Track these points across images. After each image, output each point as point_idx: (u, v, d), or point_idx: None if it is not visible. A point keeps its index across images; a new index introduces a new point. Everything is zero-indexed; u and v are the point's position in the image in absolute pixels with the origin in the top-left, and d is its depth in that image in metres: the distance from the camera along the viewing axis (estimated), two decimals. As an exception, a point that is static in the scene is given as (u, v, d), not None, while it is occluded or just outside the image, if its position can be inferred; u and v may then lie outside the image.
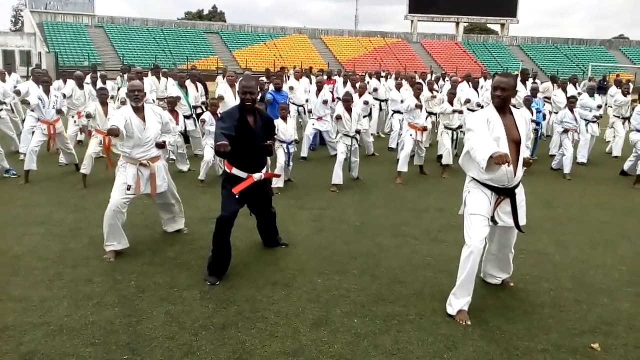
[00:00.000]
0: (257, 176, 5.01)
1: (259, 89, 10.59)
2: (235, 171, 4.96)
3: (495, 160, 3.82)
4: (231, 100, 9.70)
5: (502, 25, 56.93)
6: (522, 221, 4.35)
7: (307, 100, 12.50)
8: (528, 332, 4.01)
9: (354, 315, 4.21)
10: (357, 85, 12.27)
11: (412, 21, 55.13)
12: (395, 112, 12.32)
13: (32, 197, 7.50)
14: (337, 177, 8.30)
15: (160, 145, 5.53)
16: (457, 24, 56.15)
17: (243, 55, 46.29)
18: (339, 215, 6.97)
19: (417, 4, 53.41)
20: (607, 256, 5.70)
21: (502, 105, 4.17)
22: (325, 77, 13.57)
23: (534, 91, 11.63)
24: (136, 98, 5.35)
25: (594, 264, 5.46)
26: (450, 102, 9.74)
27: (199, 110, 10.84)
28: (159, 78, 12.36)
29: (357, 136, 8.70)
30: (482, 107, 10.41)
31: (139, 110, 5.39)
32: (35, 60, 39.67)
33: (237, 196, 4.89)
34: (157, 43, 45.76)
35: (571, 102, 10.31)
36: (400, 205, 7.55)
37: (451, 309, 4.22)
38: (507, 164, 3.86)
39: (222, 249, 4.84)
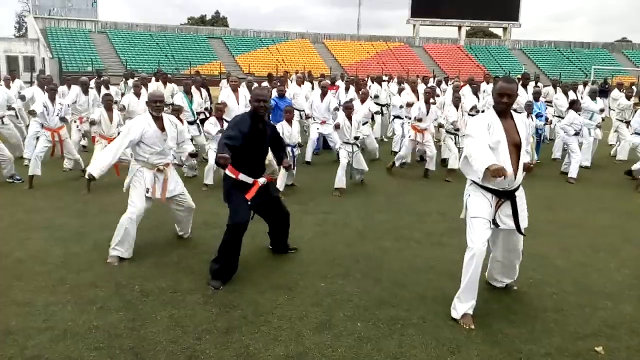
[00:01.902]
0: (261, 181, 5.04)
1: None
2: (242, 177, 4.96)
3: (492, 174, 3.85)
4: (234, 105, 9.75)
5: (505, 29, 56.96)
6: (524, 224, 4.36)
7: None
8: (531, 335, 4.02)
9: (357, 319, 4.22)
10: (361, 91, 12.34)
11: (414, 25, 55.20)
12: (395, 117, 12.39)
13: (35, 202, 7.53)
14: (340, 181, 8.34)
15: (193, 155, 5.88)
16: (460, 28, 56.20)
17: (246, 60, 46.42)
18: (343, 219, 6.98)
19: (419, 8, 53.47)
20: (609, 260, 5.70)
21: (506, 110, 4.20)
22: (329, 82, 13.65)
23: (537, 95, 11.61)
24: (157, 108, 5.42)
25: (596, 267, 5.46)
26: (456, 106, 9.77)
27: (202, 116, 10.88)
28: (165, 84, 12.43)
29: (357, 142, 8.81)
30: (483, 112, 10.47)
31: (158, 120, 5.46)
32: (39, 66, 39.87)
33: (249, 202, 4.90)
34: (160, 48, 45.94)
35: (577, 106, 10.32)
36: (402, 209, 7.56)
37: (455, 313, 4.22)
38: (503, 177, 3.88)
39: (232, 256, 4.85)
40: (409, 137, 9.57)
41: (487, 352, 3.77)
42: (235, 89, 10.19)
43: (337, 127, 8.57)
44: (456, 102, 9.80)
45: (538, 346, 3.86)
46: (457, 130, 9.48)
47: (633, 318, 4.33)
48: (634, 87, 14.16)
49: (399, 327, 4.10)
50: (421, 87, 12.46)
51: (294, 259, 5.48)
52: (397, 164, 9.90)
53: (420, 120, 9.28)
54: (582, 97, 12.96)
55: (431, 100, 10.13)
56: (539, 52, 55.63)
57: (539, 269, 5.33)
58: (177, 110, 9.23)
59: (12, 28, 71.62)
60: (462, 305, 4.20)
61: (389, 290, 4.76)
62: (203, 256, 5.43)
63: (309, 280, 4.92)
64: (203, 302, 4.44)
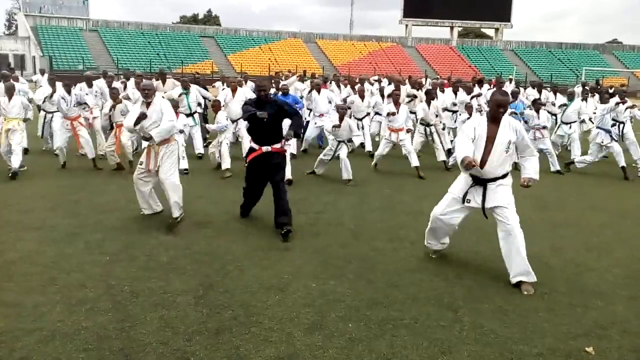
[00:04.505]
0: (265, 149, 6.31)
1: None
2: (252, 144, 6.42)
3: (464, 164, 4.61)
4: (233, 105, 10.10)
5: (496, 29, 57.25)
6: (489, 204, 4.89)
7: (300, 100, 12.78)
8: (523, 336, 4.01)
9: (349, 319, 4.20)
10: (356, 87, 12.58)
11: (406, 26, 55.37)
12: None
13: (27, 202, 7.44)
14: (317, 168, 9.43)
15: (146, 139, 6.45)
16: (452, 28, 56.42)
17: (238, 59, 46.35)
18: (335, 219, 6.96)
19: (412, 8, 53.66)
20: (602, 259, 5.71)
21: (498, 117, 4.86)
22: (321, 81, 14.03)
23: (515, 94, 12.04)
24: (146, 95, 6.49)
25: (588, 267, 5.48)
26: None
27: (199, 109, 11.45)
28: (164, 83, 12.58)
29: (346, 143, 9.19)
30: (455, 104, 11.81)
31: (148, 104, 6.48)
32: (29, 64, 39.58)
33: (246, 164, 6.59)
34: (151, 47, 45.78)
35: (538, 105, 10.76)
36: (396, 209, 7.55)
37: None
38: (471, 167, 4.61)
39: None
40: (385, 138, 10.03)
41: (478, 353, 3.76)
42: (234, 89, 10.41)
43: (336, 127, 8.86)
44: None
45: (530, 346, 3.86)
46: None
47: (624, 318, 4.34)
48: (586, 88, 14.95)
49: (390, 327, 4.09)
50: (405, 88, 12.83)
51: (286, 259, 5.45)
52: (375, 159, 10.28)
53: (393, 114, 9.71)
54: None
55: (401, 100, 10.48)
56: (531, 52, 55.93)
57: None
58: (174, 106, 9.55)
59: (1, 26, 71.08)
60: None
61: (382, 290, 4.75)
62: (194, 257, 5.39)
63: (300, 281, 4.89)
64: (194, 303, 4.40)
